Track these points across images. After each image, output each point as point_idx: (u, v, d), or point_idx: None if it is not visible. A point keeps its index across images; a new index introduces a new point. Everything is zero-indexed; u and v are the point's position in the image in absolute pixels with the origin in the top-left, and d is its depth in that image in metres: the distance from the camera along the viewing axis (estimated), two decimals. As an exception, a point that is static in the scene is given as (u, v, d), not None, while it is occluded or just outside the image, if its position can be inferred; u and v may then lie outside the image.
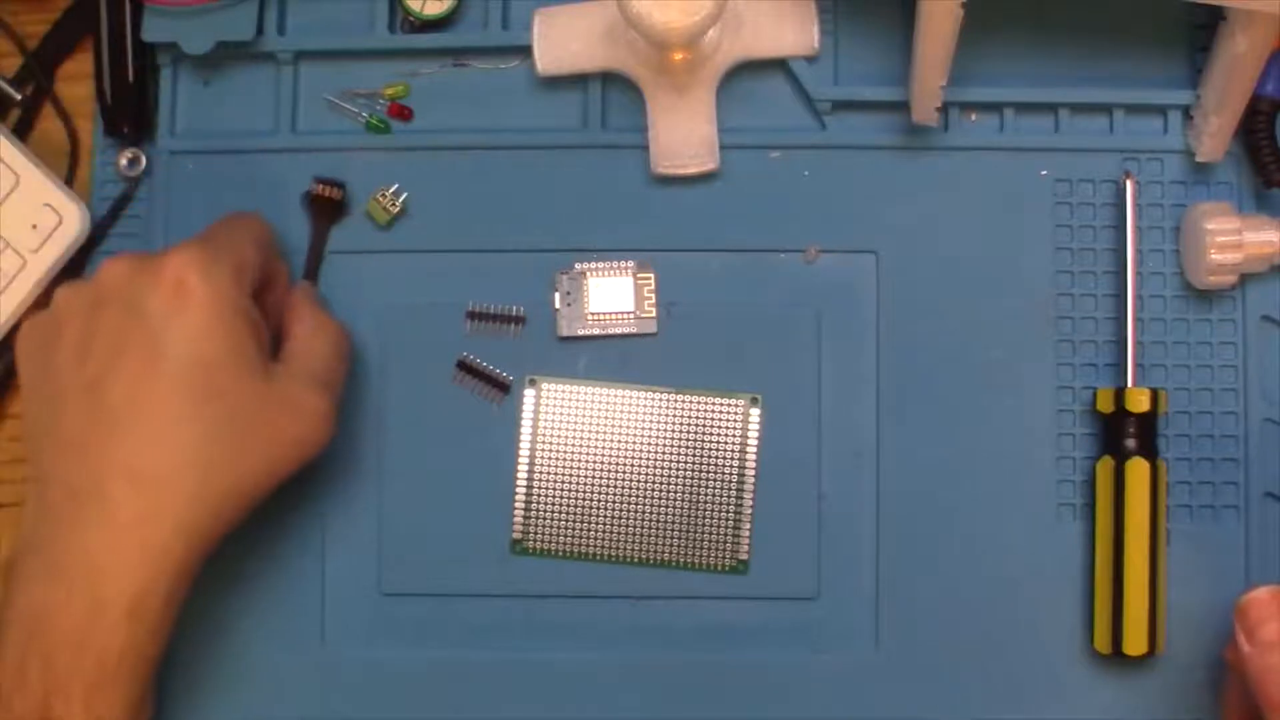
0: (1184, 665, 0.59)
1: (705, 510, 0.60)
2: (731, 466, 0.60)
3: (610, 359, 0.61)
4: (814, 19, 0.61)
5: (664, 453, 0.61)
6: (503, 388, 0.61)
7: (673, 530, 0.60)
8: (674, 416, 0.61)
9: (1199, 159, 0.60)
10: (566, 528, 0.61)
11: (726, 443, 0.61)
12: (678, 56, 0.59)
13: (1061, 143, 0.61)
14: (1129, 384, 0.59)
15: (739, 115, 0.61)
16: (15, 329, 0.62)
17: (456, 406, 0.61)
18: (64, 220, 0.61)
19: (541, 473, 0.61)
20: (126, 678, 0.51)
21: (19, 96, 0.63)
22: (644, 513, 0.60)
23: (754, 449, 0.60)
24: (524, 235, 0.62)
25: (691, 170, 0.61)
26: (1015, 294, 0.61)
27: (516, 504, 0.61)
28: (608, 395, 0.61)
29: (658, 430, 0.61)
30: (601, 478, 0.61)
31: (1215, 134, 0.59)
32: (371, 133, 0.62)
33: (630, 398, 0.61)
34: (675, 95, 0.60)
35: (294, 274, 0.61)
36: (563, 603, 0.61)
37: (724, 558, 0.60)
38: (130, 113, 0.62)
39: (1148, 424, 0.58)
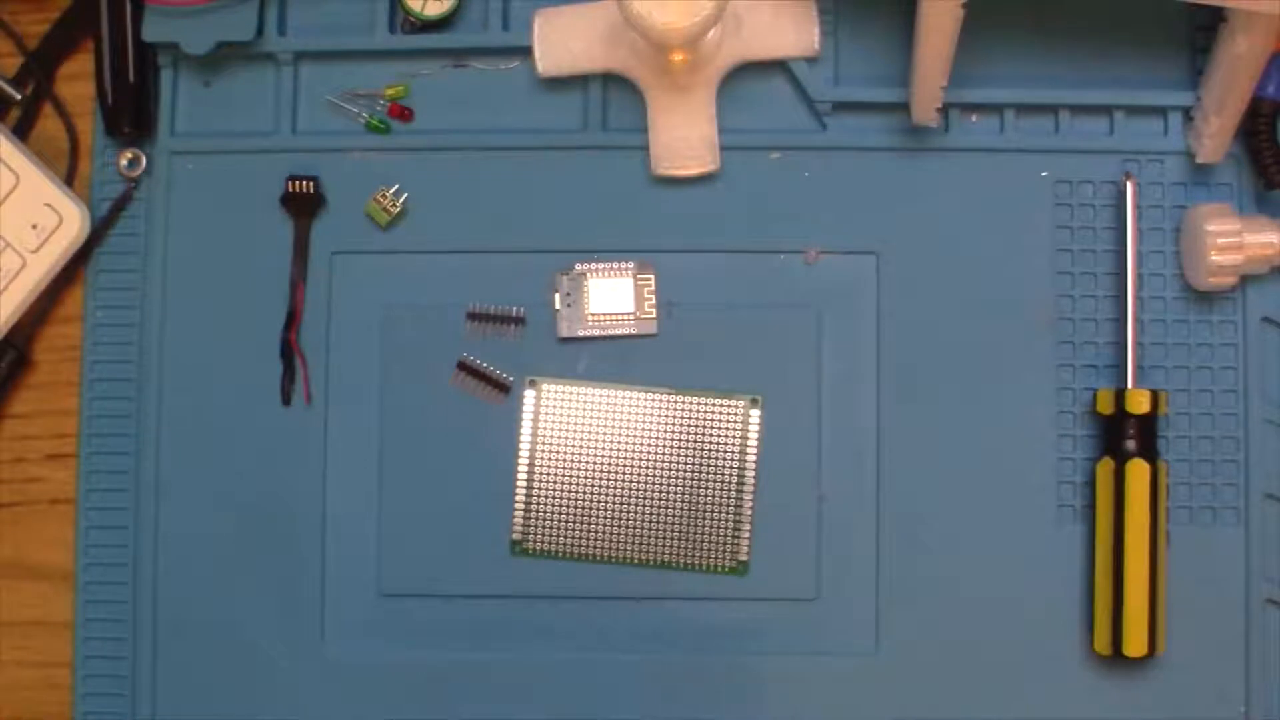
0: (1184, 665, 0.59)
1: (705, 511, 0.60)
2: (731, 467, 0.60)
3: (610, 360, 0.61)
4: (814, 20, 0.61)
5: (664, 453, 0.61)
6: (503, 388, 0.61)
7: (673, 531, 0.60)
8: (674, 417, 0.61)
9: (1199, 160, 0.60)
10: (566, 528, 0.61)
11: (726, 443, 0.61)
12: (678, 57, 0.59)
13: (1062, 144, 0.61)
14: (1129, 385, 0.59)
15: (739, 116, 0.61)
16: (15, 329, 0.62)
17: (456, 407, 0.61)
18: (64, 220, 0.61)
19: (541, 473, 0.61)
20: None
21: (19, 96, 0.63)
22: (644, 514, 0.60)
23: (754, 450, 0.61)
24: (524, 236, 0.62)
25: (692, 171, 0.61)
26: (1015, 295, 0.61)
27: (516, 504, 0.61)
28: (608, 396, 0.61)
29: (658, 431, 0.61)
30: (601, 479, 0.61)
31: (1215, 135, 0.59)
32: (371, 133, 0.62)
33: (630, 398, 0.61)
34: (675, 96, 0.60)
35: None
36: (563, 603, 0.61)
37: (724, 559, 0.60)
38: (130, 113, 0.62)
39: (1148, 425, 0.58)
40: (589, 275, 0.61)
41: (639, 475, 0.61)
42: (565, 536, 0.61)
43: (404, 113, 0.62)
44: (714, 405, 0.61)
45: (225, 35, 0.61)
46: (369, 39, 0.62)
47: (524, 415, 0.61)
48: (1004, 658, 0.60)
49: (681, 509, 0.60)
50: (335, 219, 0.62)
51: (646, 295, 0.61)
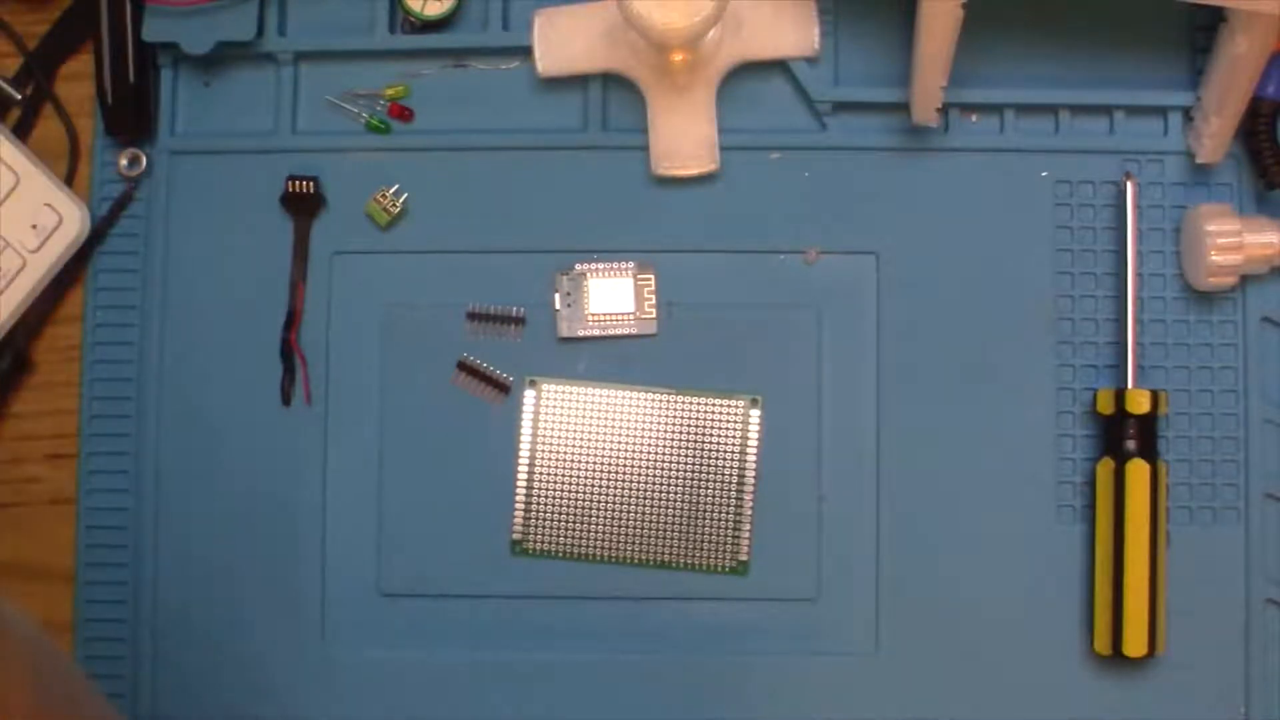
0: (1184, 665, 0.59)
1: (705, 511, 0.60)
2: (731, 467, 0.60)
3: (610, 360, 0.61)
4: (814, 20, 0.61)
5: (664, 453, 0.61)
6: (503, 388, 0.61)
7: (673, 531, 0.60)
8: (674, 417, 0.61)
9: (1199, 160, 0.60)
10: (566, 528, 0.61)
11: (726, 443, 0.61)
12: (678, 57, 0.59)
13: (1062, 144, 0.61)
14: (1129, 385, 0.59)
15: (739, 116, 0.61)
16: (15, 329, 0.62)
17: (456, 407, 0.61)
18: (64, 220, 0.61)
19: (541, 473, 0.61)
20: None
21: (19, 96, 0.63)
22: (644, 514, 0.60)
23: (754, 449, 0.61)
24: (524, 236, 0.62)
25: (691, 171, 0.61)
26: (1015, 295, 0.61)
27: (516, 504, 0.61)
28: (608, 396, 0.61)
29: (658, 431, 0.61)
30: (601, 479, 0.61)
31: (1215, 135, 0.59)
32: (371, 133, 0.62)
33: (630, 398, 0.61)
34: (675, 96, 0.60)
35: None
36: (562, 603, 0.61)
37: (724, 559, 0.60)
38: (130, 113, 0.62)
39: (1148, 425, 0.58)
40: (589, 275, 0.61)
41: (639, 475, 0.61)
42: (565, 536, 0.61)
43: (404, 113, 0.62)
44: (714, 405, 0.61)
45: (225, 35, 0.61)
46: (369, 39, 0.62)
47: (524, 415, 0.61)
48: (1004, 658, 0.60)
49: (681, 509, 0.60)
50: (335, 219, 0.62)
51: (646, 295, 0.61)
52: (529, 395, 0.61)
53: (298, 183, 0.61)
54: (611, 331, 0.61)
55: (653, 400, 0.61)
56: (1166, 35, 0.61)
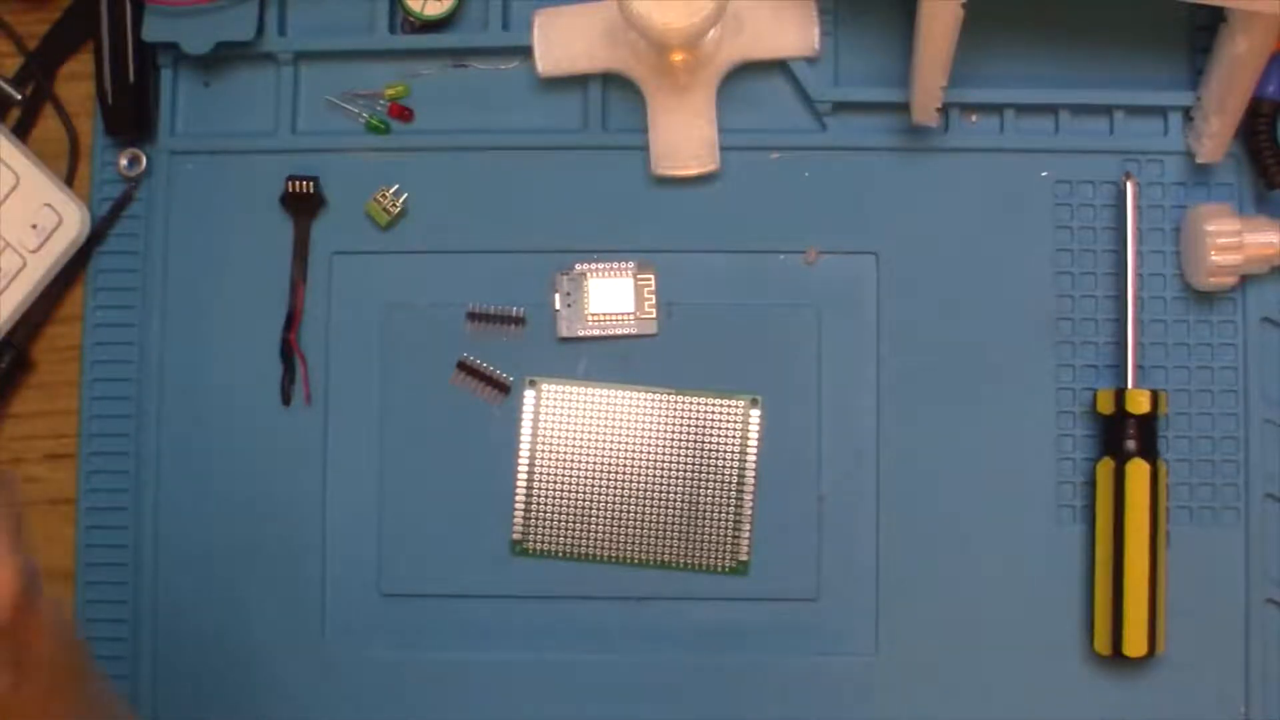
0: (1184, 665, 0.59)
1: (705, 511, 0.60)
2: (731, 467, 0.60)
3: (610, 360, 0.61)
4: (814, 20, 0.61)
5: (664, 453, 0.61)
6: (503, 388, 0.61)
7: (673, 531, 0.60)
8: (674, 417, 0.61)
9: (1199, 160, 0.60)
10: (566, 528, 0.61)
11: (726, 443, 0.61)
12: (678, 57, 0.59)
13: (1062, 144, 0.61)
14: (1129, 385, 0.59)
15: (739, 116, 0.61)
16: (15, 329, 0.62)
17: (456, 406, 0.61)
18: (64, 220, 0.61)
19: (541, 473, 0.61)
20: None
21: (19, 96, 0.63)
22: (644, 513, 0.60)
23: (754, 449, 0.61)
24: (524, 235, 0.62)
25: (692, 171, 0.61)
26: (1015, 295, 0.61)
27: (516, 504, 0.61)
28: (608, 396, 0.61)
29: (658, 431, 0.61)
30: (601, 479, 0.61)
31: (1215, 135, 0.59)
32: (371, 133, 0.62)
33: (630, 399, 0.61)
34: (675, 96, 0.60)
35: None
36: (563, 603, 0.61)
37: (724, 559, 0.60)
38: (130, 113, 0.62)
39: (1148, 425, 0.58)
40: (589, 275, 0.61)
41: (639, 475, 0.61)
42: (565, 536, 0.61)
43: (404, 113, 0.62)
44: (714, 405, 0.61)
45: (225, 35, 0.61)
46: (369, 39, 0.62)
47: (524, 415, 0.61)
48: (1004, 658, 0.60)
49: (681, 509, 0.60)
50: (335, 219, 0.62)
51: (646, 295, 0.61)
52: (529, 395, 0.61)
53: (298, 183, 0.61)
54: (611, 331, 0.61)
55: (653, 400, 0.61)
56: (1166, 35, 0.61)
